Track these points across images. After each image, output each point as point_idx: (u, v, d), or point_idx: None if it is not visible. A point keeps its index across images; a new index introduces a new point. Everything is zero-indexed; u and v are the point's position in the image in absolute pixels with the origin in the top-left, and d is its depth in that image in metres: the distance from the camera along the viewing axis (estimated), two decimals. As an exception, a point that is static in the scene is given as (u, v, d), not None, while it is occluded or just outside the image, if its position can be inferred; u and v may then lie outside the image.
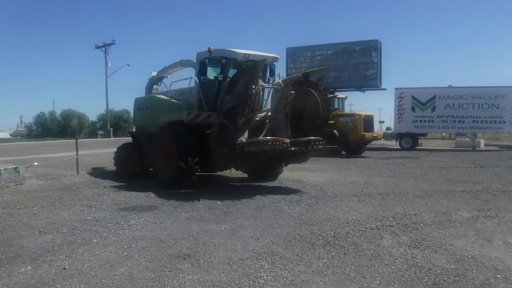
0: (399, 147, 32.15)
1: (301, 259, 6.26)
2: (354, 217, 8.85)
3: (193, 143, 12.57)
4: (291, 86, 13.28)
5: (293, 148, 11.71)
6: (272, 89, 13.77)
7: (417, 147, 32.15)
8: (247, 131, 12.36)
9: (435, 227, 8.00)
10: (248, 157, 11.23)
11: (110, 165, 17.11)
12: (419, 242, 7.03)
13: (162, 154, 13.26)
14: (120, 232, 7.82)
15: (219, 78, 12.63)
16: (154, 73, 17.07)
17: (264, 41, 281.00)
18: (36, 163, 15.67)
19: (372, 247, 6.81)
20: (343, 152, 25.09)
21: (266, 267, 5.96)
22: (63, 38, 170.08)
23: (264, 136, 12.89)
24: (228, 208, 9.79)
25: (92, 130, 69.16)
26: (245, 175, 15.19)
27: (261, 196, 11.41)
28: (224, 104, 11.35)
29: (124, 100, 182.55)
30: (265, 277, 5.59)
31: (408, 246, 6.86)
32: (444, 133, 41.26)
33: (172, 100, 14.36)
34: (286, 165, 14.60)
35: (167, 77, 17.09)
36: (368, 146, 28.52)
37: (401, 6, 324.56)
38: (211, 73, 13.18)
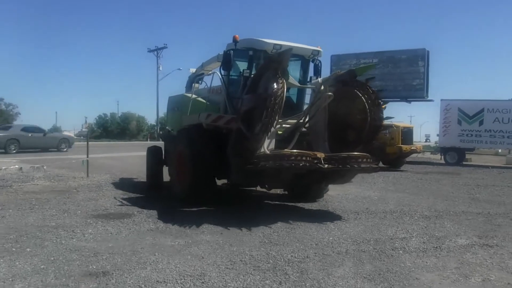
0: (443, 162, 30.30)
1: (225, 287, 5.43)
2: (331, 238, 7.88)
3: (212, 152, 10.37)
4: (331, 86, 10.66)
5: (326, 166, 9.04)
6: (312, 90, 11.41)
7: (464, 163, 30.14)
8: (273, 141, 9.99)
9: (414, 255, 6.92)
10: (265, 173, 9.02)
11: (131, 169, 16.94)
12: (379, 274, 5.99)
13: (177, 164, 11.50)
14: (63, 242, 7.27)
15: (244, 74, 10.68)
16: (193, 70, 15.19)
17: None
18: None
19: (319, 276, 5.84)
20: (381, 165, 23.72)
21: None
22: (123, 41, 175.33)
23: (292, 148, 9.97)
24: (202, 222, 9.03)
25: (151, 132, 70.44)
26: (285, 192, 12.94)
27: (255, 209, 10.60)
28: (242, 105, 9.34)
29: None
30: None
31: (364, 277, 5.85)
32: (500, 150, 38.69)
33: (198, 98, 12.51)
34: (325, 185, 12.09)
35: (207, 74, 14.33)
36: (411, 159, 26.97)
37: (449, 15, 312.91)
38: (238, 68, 11.31)
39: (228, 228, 8.47)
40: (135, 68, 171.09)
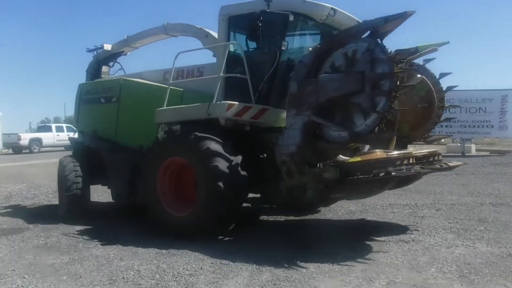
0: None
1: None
2: (234, 247, 7.15)
3: (243, 161, 7.35)
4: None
5: (419, 169, 7.01)
6: None
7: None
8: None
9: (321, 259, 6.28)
10: (349, 186, 6.70)
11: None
12: (275, 284, 5.30)
13: (171, 182, 8.07)
14: None
15: (282, 48, 7.86)
16: (108, 46, 11.18)
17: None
18: None
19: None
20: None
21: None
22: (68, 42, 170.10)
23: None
24: (101, 234, 8.13)
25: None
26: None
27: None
28: (320, 90, 6.45)
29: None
30: None
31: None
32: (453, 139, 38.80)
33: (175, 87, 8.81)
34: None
35: (125, 54, 11.56)
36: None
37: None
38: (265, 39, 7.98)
39: (127, 239, 7.60)
40: (81, 69, 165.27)
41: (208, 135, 7.24)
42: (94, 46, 11.40)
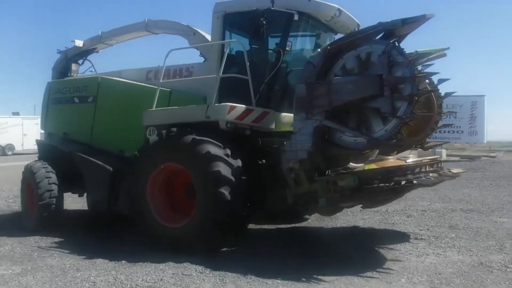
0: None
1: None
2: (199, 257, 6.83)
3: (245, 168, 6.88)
4: None
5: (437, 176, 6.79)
6: None
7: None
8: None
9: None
10: (363, 194, 6.29)
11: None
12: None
13: (161, 191, 7.47)
14: None
15: (286, 48, 7.49)
16: (80, 43, 10.28)
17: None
18: None
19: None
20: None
21: None
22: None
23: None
24: (59, 243, 7.72)
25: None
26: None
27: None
28: (333, 93, 6.10)
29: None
30: None
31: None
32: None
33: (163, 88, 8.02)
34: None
35: (97, 51, 10.73)
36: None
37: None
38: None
39: (87, 249, 7.22)
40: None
41: (208, 139, 6.70)
42: (65, 47, 10.54)
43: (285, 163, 6.36)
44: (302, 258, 6.54)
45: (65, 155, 9.13)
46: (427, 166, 6.66)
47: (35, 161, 9.25)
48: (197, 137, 6.71)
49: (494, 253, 6.63)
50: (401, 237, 7.74)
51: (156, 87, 7.86)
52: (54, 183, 8.57)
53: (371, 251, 6.90)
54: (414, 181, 6.22)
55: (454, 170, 7.60)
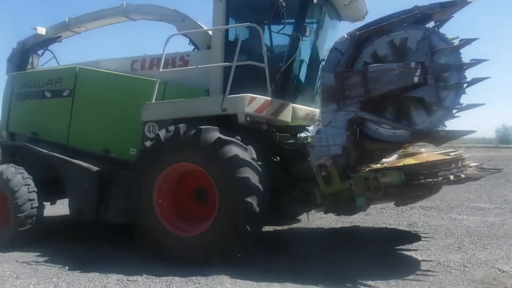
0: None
1: None
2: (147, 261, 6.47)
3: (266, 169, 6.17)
4: None
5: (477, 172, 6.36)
6: None
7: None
8: None
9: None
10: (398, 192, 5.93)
11: None
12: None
13: (169, 194, 6.55)
14: None
15: (306, 34, 6.74)
16: (42, 30, 9.02)
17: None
18: None
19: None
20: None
21: None
22: None
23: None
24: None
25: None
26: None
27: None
28: (370, 82, 5.61)
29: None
30: None
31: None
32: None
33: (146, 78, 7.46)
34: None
35: (60, 41, 9.44)
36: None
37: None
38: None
39: (31, 255, 6.75)
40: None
41: (233, 139, 5.93)
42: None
43: (315, 159, 5.81)
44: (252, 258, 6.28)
45: (39, 157, 7.78)
46: (465, 160, 6.21)
47: (7, 165, 7.68)
48: (223, 137, 5.90)
49: (452, 252, 6.51)
50: (361, 236, 7.58)
51: (154, 79, 7.02)
52: (34, 191, 7.32)
53: (327, 251, 6.70)
54: (462, 175, 5.76)
55: (485, 166, 7.20)
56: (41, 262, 6.37)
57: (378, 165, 6.19)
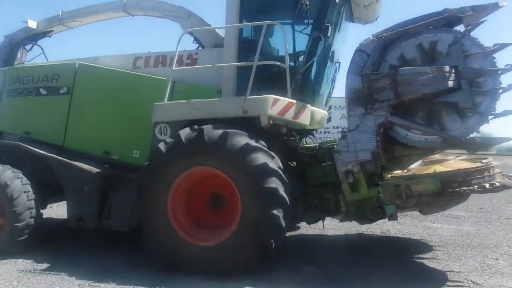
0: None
1: None
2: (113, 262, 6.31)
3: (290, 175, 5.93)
4: None
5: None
6: None
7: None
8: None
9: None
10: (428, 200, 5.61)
11: None
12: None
13: (182, 200, 6.09)
14: None
15: (328, 34, 6.64)
16: (33, 24, 8.48)
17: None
18: None
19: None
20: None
21: None
22: None
23: None
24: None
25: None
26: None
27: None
28: (402, 86, 5.47)
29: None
30: None
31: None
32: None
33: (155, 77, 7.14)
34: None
35: (50, 36, 8.91)
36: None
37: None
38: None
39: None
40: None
41: (261, 146, 5.60)
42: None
43: (341, 165, 5.64)
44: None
45: (33, 158, 7.13)
46: (495, 168, 5.92)
47: (3, 166, 6.83)
48: (252, 143, 5.56)
49: (425, 262, 6.40)
50: (331, 244, 7.46)
51: (163, 77, 6.75)
52: (33, 199, 6.67)
53: (292, 259, 6.53)
54: (497, 183, 5.46)
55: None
56: (3, 264, 6.16)
57: (405, 171, 6.05)
